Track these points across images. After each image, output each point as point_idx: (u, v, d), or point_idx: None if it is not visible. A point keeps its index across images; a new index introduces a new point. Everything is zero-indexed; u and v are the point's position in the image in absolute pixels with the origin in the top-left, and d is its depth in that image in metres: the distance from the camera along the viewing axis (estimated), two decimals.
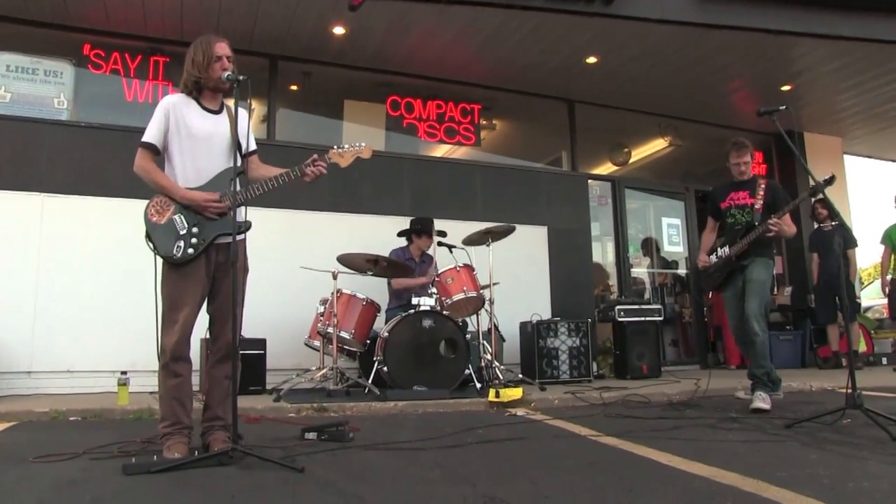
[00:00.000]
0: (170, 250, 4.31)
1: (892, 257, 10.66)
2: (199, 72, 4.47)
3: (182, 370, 4.36)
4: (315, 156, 4.60)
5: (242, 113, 4.53)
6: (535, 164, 11.66)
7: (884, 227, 10.81)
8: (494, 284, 8.15)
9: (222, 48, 4.51)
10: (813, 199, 11.39)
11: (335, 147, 4.80)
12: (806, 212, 12.27)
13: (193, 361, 4.52)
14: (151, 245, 4.36)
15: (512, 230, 8.37)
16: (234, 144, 4.52)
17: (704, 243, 7.44)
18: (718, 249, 7.09)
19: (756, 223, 6.75)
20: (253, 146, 4.74)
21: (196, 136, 4.45)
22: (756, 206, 6.88)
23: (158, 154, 4.50)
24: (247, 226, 4.38)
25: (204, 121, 4.51)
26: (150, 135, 4.46)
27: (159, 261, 4.38)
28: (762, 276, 6.78)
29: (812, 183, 6.05)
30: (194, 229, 4.35)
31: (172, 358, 4.29)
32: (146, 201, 4.44)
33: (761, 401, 6.33)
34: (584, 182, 11.61)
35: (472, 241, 8.33)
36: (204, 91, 4.56)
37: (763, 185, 6.98)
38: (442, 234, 8.61)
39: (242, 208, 4.35)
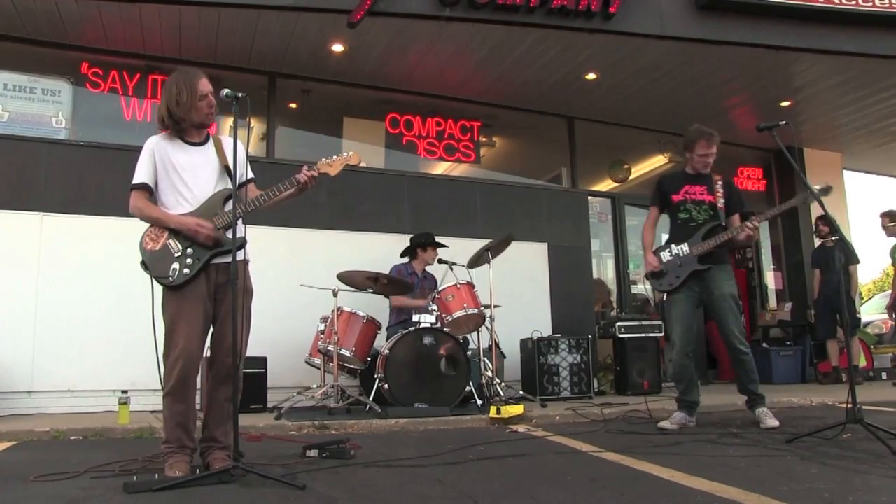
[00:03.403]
0: (165, 273, 4.31)
1: None
2: (184, 112, 4.44)
3: (188, 396, 4.33)
4: (305, 167, 4.57)
5: (239, 142, 4.51)
6: (535, 181, 11.69)
7: (883, 244, 10.80)
8: (496, 307, 8.17)
9: (205, 85, 4.50)
10: (815, 216, 11.44)
11: (323, 159, 4.78)
12: (808, 228, 12.29)
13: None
14: (148, 273, 4.37)
15: (510, 240, 8.40)
16: (223, 169, 4.52)
17: (649, 240, 6.81)
18: (673, 247, 6.55)
19: (723, 223, 6.44)
20: (249, 175, 4.72)
21: (182, 170, 4.46)
22: (719, 205, 6.48)
23: (152, 194, 4.49)
24: (241, 241, 4.36)
25: (189, 155, 4.52)
26: (140, 175, 4.47)
27: (157, 287, 4.38)
28: (733, 290, 6.45)
29: (812, 191, 5.90)
30: (189, 250, 4.35)
31: (178, 384, 4.25)
32: (144, 223, 4.46)
33: (771, 418, 6.16)
34: (583, 199, 11.61)
35: (475, 262, 8.35)
36: (188, 129, 4.55)
37: (720, 183, 6.57)
38: (442, 245, 8.68)
39: (240, 226, 4.35)
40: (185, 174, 4.47)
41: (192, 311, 4.33)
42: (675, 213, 6.65)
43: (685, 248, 6.47)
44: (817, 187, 5.95)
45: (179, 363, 4.24)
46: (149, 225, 4.48)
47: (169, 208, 4.46)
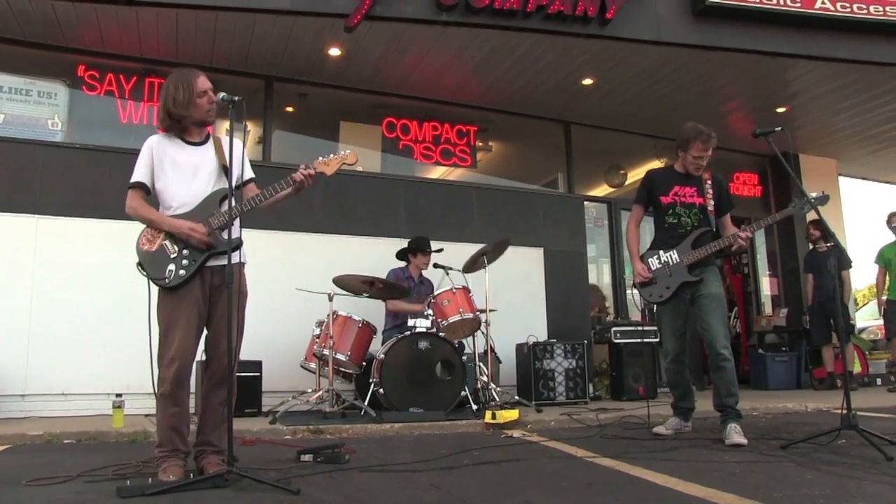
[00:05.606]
0: (161, 275, 4.30)
1: (887, 277, 10.63)
2: (182, 110, 4.43)
3: (181, 399, 4.30)
4: (302, 165, 4.56)
5: (236, 142, 4.50)
6: (531, 186, 11.68)
7: (878, 248, 10.78)
8: (491, 311, 8.15)
9: (204, 82, 4.49)
10: (807, 220, 11.44)
11: (320, 158, 4.77)
12: (803, 234, 12.29)
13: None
14: (144, 273, 4.36)
15: (506, 242, 8.39)
16: (221, 169, 4.50)
17: (635, 247, 6.42)
18: (661, 254, 6.19)
19: (713, 228, 6.11)
20: (249, 175, 4.72)
21: (181, 169, 4.45)
22: (709, 209, 6.11)
23: (149, 193, 4.49)
24: (236, 242, 4.36)
25: (189, 155, 4.50)
26: (138, 174, 4.46)
27: (154, 289, 4.38)
28: (720, 290, 6.08)
29: (806, 198, 5.75)
30: (184, 251, 4.34)
31: (172, 386, 4.23)
32: (140, 225, 4.45)
33: (738, 434, 5.55)
34: (580, 204, 11.62)
35: (470, 266, 8.34)
36: (189, 127, 4.54)
37: (709, 182, 6.18)
38: (438, 250, 8.65)
39: (236, 227, 4.35)
40: (184, 174, 4.45)
41: (187, 312, 4.31)
42: (663, 216, 6.28)
43: (674, 255, 6.11)
44: (814, 195, 5.87)
45: (174, 365, 4.23)
46: (145, 225, 4.47)
47: (167, 208, 4.45)
